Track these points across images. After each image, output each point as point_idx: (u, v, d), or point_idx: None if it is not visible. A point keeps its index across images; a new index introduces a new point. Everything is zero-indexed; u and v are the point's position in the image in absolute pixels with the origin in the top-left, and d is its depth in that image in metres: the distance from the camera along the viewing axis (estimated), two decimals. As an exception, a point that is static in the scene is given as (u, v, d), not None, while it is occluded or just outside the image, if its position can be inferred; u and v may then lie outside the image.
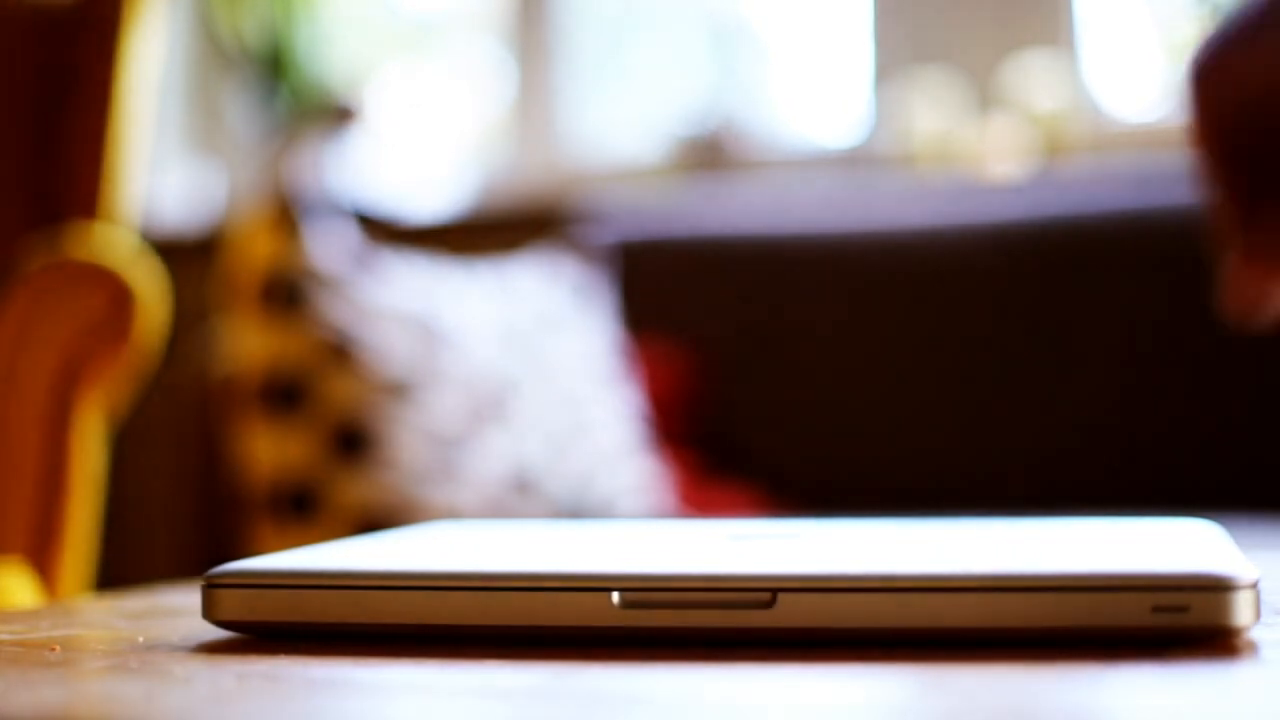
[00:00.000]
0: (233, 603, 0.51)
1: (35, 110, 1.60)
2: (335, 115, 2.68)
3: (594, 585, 0.48)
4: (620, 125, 2.71)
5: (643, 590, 0.48)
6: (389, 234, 2.44)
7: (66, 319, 1.39)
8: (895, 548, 0.55)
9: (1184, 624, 0.45)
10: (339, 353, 1.66)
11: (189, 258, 2.40)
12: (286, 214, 1.70)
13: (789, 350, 2.12)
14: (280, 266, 1.67)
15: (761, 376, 2.13)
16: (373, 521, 1.62)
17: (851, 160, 2.50)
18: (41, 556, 1.35)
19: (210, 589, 0.51)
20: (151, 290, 1.43)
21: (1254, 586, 0.46)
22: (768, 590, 0.47)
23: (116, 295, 1.40)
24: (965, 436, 2.02)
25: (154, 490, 2.53)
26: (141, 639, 0.52)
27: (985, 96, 2.41)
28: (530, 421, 1.77)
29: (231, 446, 1.72)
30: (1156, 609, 0.45)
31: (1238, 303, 0.50)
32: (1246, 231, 0.47)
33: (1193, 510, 1.53)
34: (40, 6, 1.63)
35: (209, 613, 0.51)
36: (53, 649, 0.50)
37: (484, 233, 2.47)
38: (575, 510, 1.76)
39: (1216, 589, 0.45)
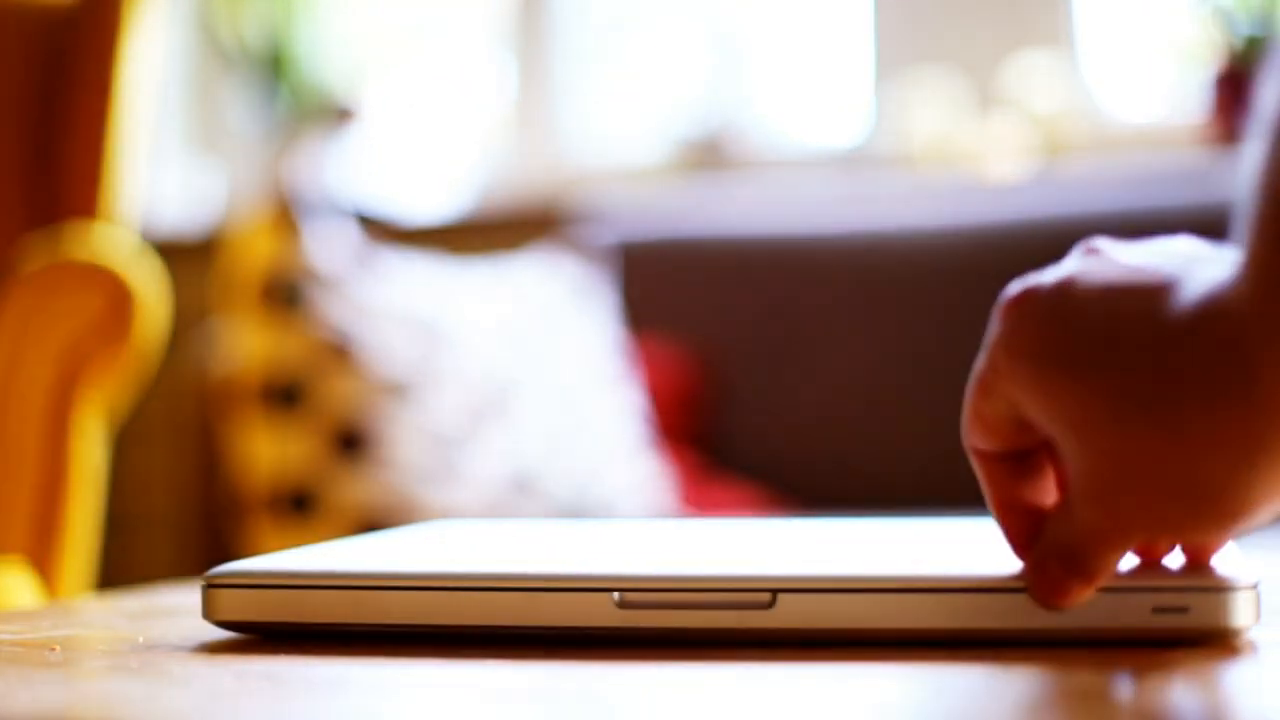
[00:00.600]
0: (232, 603, 0.51)
1: (35, 110, 1.60)
2: (335, 115, 2.68)
3: (594, 585, 0.48)
4: (620, 125, 2.71)
5: (643, 590, 0.48)
6: (389, 234, 2.44)
7: (66, 319, 1.39)
8: (895, 549, 0.55)
9: (1184, 625, 0.45)
10: (339, 353, 1.66)
11: (189, 258, 2.40)
12: (286, 214, 1.70)
13: (789, 350, 2.12)
14: (280, 267, 1.67)
15: (762, 376, 2.13)
16: (372, 521, 1.62)
17: (852, 160, 2.50)
18: (41, 556, 1.35)
19: (210, 589, 0.51)
20: (151, 290, 1.43)
21: (1254, 588, 0.46)
22: (768, 590, 0.47)
23: (116, 295, 1.40)
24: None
25: (154, 490, 2.53)
26: (141, 639, 0.52)
27: (985, 96, 2.41)
28: (530, 421, 1.77)
29: (231, 447, 1.72)
30: (1157, 610, 0.45)
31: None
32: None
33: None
34: (40, 6, 1.63)
35: (209, 613, 0.51)
36: (53, 649, 0.50)
37: (484, 233, 2.47)
38: (575, 510, 1.76)
39: (1216, 590, 0.45)
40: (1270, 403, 0.39)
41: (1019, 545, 0.47)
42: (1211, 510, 0.41)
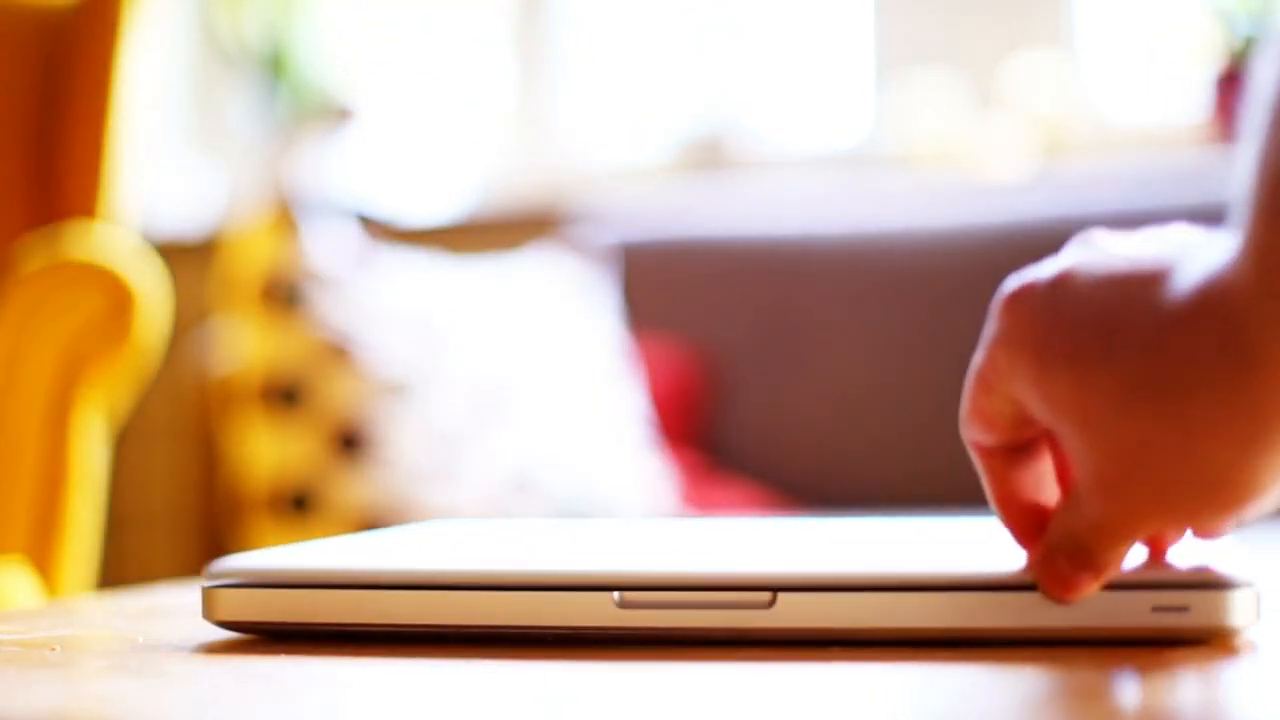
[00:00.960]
0: (232, 603, 0.51)
1: (35, 110, 1.60)
2: (335, 115, 2.68)
3: (594, 585, 0.48)
4: (620, 126, 2.71)
5: (643, 590, 0.48)
6: (389, 234, 2.43)
7: (66, 319, 1.39)
8: (895, 549, 0.55)
9: (1184, 624, 0.45)
10: (339, 353, 1.66)
11: (189, 258, 2.40)
12: (286, 214, 1.70)
13: (790, 350, 2.12)
14: (280, 267, 1.67)
15: (762, 376, 2.13)
16: (372, 521, 1.62)
17: (852, 160, 2.50)
18: (41, 556, 1.35)
19: (210, 590, 0.51)
20: (151, 290, 1.43)
21: (1254, 587, 0.46)
22: (768, 590, 0.47)
23: (116, 295, 1.40)
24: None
25: (154, 490, 2.53)
26: (141, 639, 0.52)
27: (985, 96, 2.41)
28: (530, 421, 1.77)
29: (231, 447, 1.72)
30: (1156, 609, 0.45)
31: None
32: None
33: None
34: (40, 6, 1.63)
35: (209, 613, 0.51)
36: (53, 649, 0.50)
37: (484, 233, 2.47)
38: (575, 510, 1.76)
39: (1216, 589, 0.45)
40: (1274, 383, 0.39)
41: (1022, 537, 0.47)
42: (1221, 495, 0.41)
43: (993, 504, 0.48)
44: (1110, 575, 0.44)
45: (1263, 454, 0.40)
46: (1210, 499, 0.41)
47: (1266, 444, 0.39)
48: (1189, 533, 0.48)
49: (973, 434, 0.47)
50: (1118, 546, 0.44)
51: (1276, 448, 0.40)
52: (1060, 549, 0.44)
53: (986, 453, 0.47)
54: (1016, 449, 0.47)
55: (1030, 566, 0.46)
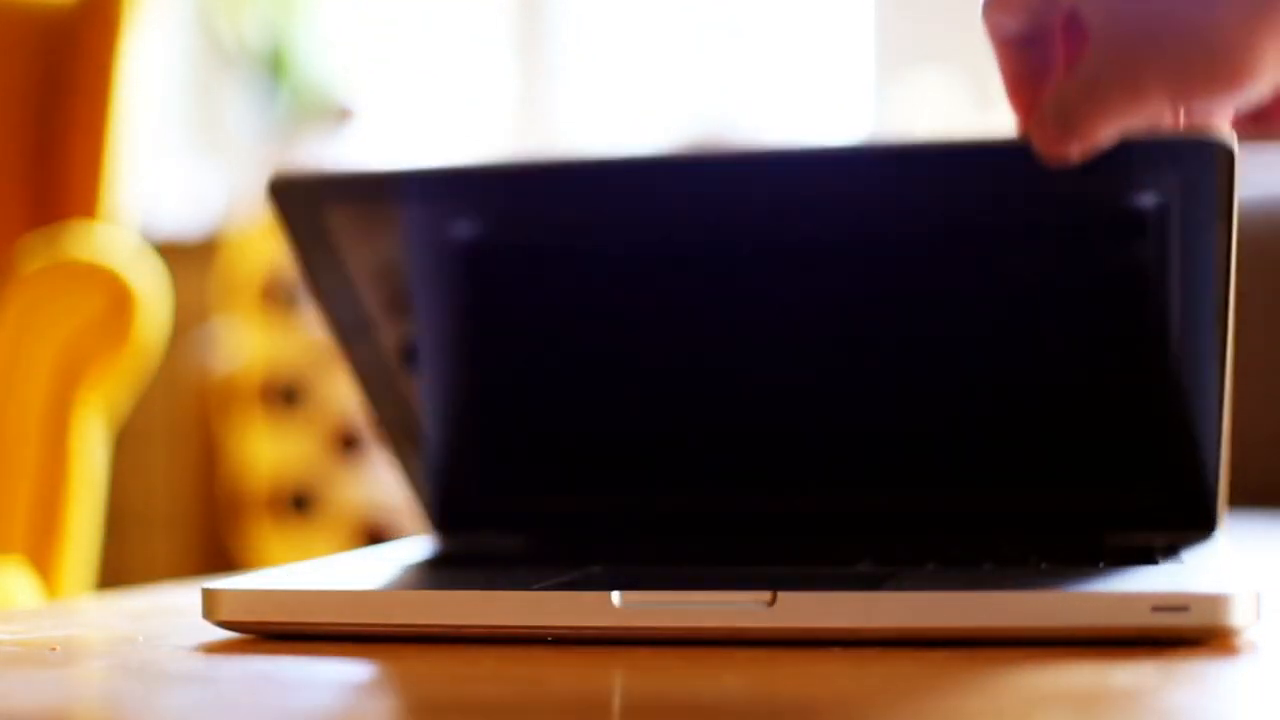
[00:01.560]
0: (232, 603, 0.51)
1: (35, 110, 1.60)
2: (335, 115, 2.68)
3: (594, 585, 0.48)
4: (620, 124, 2.71)
5: (643, 590, 0.48)
6: (389, 234, 2.43)
7: (66, 319, 1.39)
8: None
9: (1184, 624, 0.45)
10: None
11: (189, 258, 2.40)
12: (286, 214, 1.70)
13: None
14: (280, 267, 1.67)
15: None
16: (372, 521, 1.62)
17: (851, 160, 2.50)
18: (41, 556, 1.35)
19: (210, 590, 0.51)
20: (151, 290, 1.43)
21: (1254, 587, 0.46)
22: (768, 590, 0.47)
23: (116, 295, 1.40)
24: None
25: (154, 490, 2.53)
26: (141, 639, 0.52)
27: (985, 96, 2.41)
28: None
29: (231, 447, 1.72)
30: (1156, 609, 0.45)
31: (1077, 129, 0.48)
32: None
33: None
34: (40, 6, 1.63)
35: (209, 613, 0.51)
36: (53, 649, 0.50)
37: (484, 233, 2.47)
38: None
39: (1216, 589, 0.45)
40: None
41: (1025, 114, 0.51)
42: (1224, 68, 0.44)
43: (1004, 88, 0.51)
44: (1095, 143, 0.47)
45: (1267, 21, 0.43)
46: (1213, 71, 0.44)
47: (1271, 12, 0.43)
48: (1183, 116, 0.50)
49: (995, 18, 0.51)
50: (1112, 112, 0.46)
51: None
52: (1057, 109, 0.47)
53: (1004, 42, 0.51)
54: (1032, 42, 0.51)
55: (1023, 128, 0.49)
